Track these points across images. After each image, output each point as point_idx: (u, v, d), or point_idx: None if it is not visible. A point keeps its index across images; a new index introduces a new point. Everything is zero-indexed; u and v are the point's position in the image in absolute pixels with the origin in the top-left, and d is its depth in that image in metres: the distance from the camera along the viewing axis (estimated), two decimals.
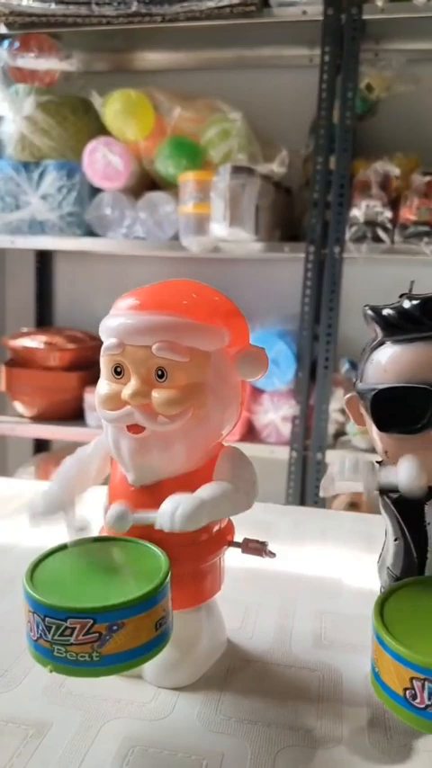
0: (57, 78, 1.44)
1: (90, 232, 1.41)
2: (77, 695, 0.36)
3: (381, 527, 0.38)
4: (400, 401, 0.31)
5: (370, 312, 0.34)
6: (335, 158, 1.27)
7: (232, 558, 0.39)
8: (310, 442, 1.36)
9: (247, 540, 0.39)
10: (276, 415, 1.39)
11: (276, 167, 1.28)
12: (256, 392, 1.41)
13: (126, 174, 1.35)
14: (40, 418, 1.49)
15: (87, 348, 1.49)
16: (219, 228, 1.26)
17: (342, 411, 1.37)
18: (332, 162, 1.28)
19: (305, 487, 1.37)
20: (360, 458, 0.35)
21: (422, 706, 0.26)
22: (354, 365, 1.38)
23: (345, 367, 1.38)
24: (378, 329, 0.33)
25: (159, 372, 0.34)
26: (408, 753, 0.32)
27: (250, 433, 1.43)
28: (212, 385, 0.35)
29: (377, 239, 1.25)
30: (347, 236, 1.26)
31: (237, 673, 0.38)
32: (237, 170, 1.24)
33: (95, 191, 1.39)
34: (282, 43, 1.42)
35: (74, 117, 1.42)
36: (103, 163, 1.34)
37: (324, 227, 1.29)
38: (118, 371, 0.35)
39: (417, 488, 0.31)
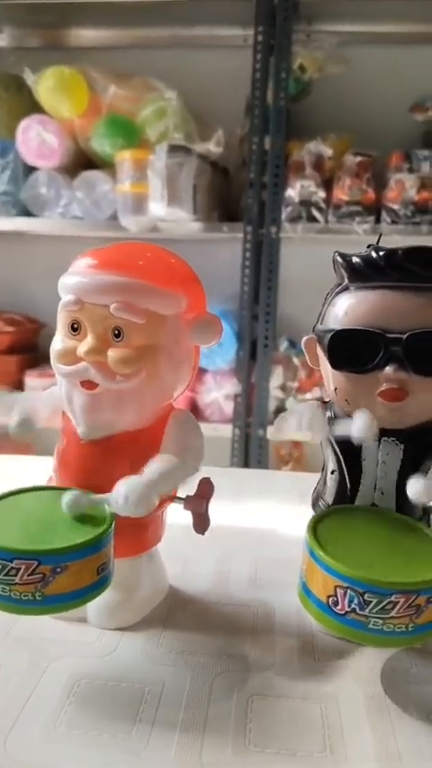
0: None
1: (26, 212, 1.39)
2: (25, 639, 0.37)
3: (314, 483, 0.41)
4: (355, 342, 0.34)
5: (339, 258, 0.36)
6: (270, 139, 1.29)
7: (175, 515, 0.41)
8: (251, 419, 1.40)
9: (189, 497, 0.40)
10: (219, 393, 1.42)
11: (212, 147, 1.30)
12: (199, 371, 1.42)
13: (61, 153, 1.33)
14: None
15: (26, 331, 1.45)
16: (157, 208, 1.27)
17: (282, 388, 1.41)
18: (267, 142, 1.30)
19: (248, 463, 1.41)
20: (315, 413, 0.37)
21: (342, 612, 0.29)
22: (292, 344, 1.42)
23: (284, 345, 1.41)
24: (345, 275, 0.35)
25: (116, 332, 0.35)
26: (332, 672, 0.35)
27: (194, 412, 1.44)
28: (166, 348, 0.36)
29: (312, 219, 1.28)
30: (283, 215, 1.29)
31: (177, 612, 0.40)
32: (173, 149, 1.25)
33: (30, 169, 1.37)
34: (216, 23, 1.43)
35: (6, 94, 1.39)
36: (38, 141, 1.32)
37: (261, 208, 1.31)
38: (75, 328, 0.36)
39: (369, 438, 0.34)
